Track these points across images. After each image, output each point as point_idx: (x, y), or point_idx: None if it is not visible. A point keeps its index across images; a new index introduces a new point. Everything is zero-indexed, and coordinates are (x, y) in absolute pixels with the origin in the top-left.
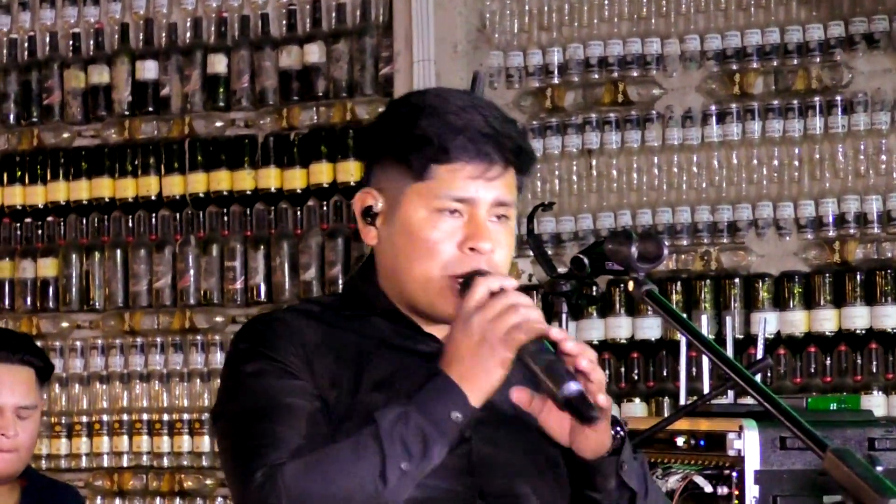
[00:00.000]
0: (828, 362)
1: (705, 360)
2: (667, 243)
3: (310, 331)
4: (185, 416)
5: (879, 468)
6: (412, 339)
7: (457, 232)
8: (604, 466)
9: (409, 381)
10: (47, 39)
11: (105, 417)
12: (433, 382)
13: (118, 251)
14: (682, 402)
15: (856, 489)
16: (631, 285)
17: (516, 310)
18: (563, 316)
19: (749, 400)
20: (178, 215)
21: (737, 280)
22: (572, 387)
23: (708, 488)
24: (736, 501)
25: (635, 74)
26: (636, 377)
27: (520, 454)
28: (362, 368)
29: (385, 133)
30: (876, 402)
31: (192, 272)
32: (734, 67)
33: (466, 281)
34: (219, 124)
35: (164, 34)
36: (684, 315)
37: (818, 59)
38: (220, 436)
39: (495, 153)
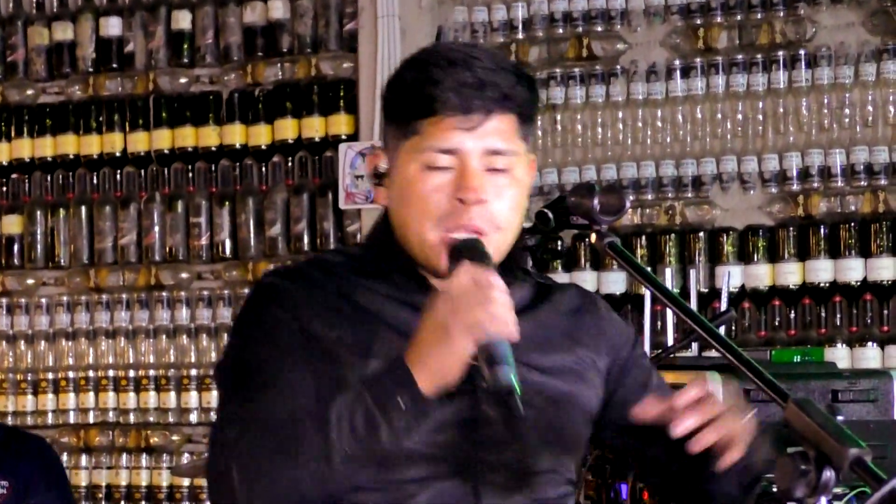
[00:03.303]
0: (792, 315)
1: (669, 314)
2: (631, 198)
3: (318, 291)
4: (152, 373)
5: (840, 418)
6: (420, 297)
7: (447, 185)
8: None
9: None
10: None
11: (71, 374)
12: (390, 366)
13: (83, 208)
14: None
15: (817, 439)
16: (593, 237)
17: (485, 306)
18: None
19: (713, 353)
20: (143, 172)
21: (701, 234)
22: (504, 379)
23: None
24: None
25: (599, 29)
26: None
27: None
28: (373, 331)
29: (385, 92)
30: (840, 355)
31: (157, 229)
32: (698, 22)
33: (454, 252)
34: (183, 81)
35: None
36: (648, 268)
37: (782, 14)
38: (217, 388)
39: (477, 102)
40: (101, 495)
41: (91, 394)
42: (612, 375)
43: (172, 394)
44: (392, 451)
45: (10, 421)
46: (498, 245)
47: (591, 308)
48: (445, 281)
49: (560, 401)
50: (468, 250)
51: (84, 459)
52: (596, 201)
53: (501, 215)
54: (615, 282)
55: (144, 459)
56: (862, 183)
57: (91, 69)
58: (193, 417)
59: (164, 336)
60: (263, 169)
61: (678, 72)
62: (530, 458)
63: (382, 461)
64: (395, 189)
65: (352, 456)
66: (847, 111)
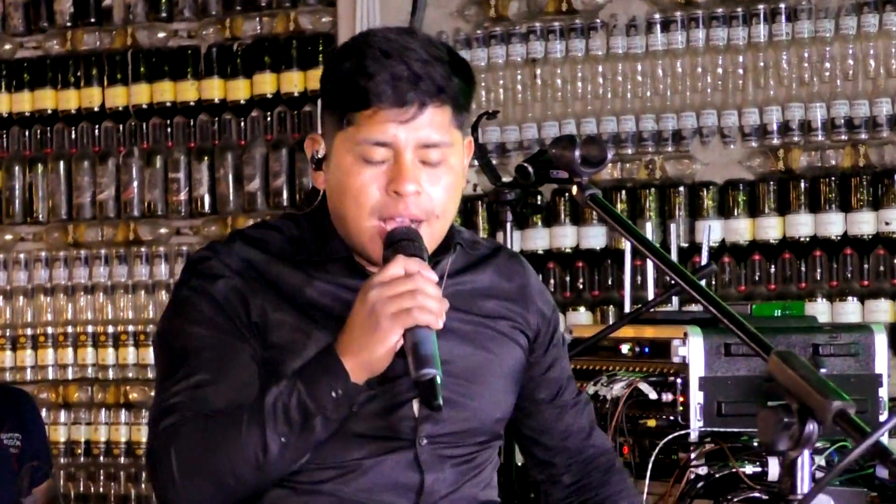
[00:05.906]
0: (772, 270)
1: (650, 269)
2: (611, 152)
3: (254, 273)
4: (130, 328)
5: (822, 370)
6: (354, 284)
7: (382, 177)
8: None
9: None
10: None
11: (50, 330)
12: (321, 356)
13: (61, 163)
14: (627, 310)
15: (799, 391)
16: (574, 190)
17: (414, 295)
18: (508, 225)
19: (694, 307)
20: (121, 127)
21: (681, 188)
22: (427, 372)
23: (653, 395)
24: (681, 408)
25: None
26: (581, 286)
27: (464, 364)
28: (307, 316)
29: (322, 79)
30: (820, 309)
31: (135, 184)
32: None
33: (389, 242)
34: (161, 35)
35: None
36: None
37: None
38: (155, 355)
39: (411, 95)
40: (80, 451)
41: (70, 350)
42: (538, 342)
43: (151, 349)
44: (332, 436)
45: None
46: (434, 232)
47: (519, 270)
48: (378, 269)
49: (477, 366)
50: (402, 241)
51: (63, 415)
52: (577, 153)
53: (438, 204)
54: (595, 236)
55: (123, 415)
56: (842, 137)
57: (69, 23)
58: None
59: (142, 291)
60: (242, 124)
61: (658, 26)
62: (465, 427)
63: (323, 445)
64: (331, 177)
65: (288, 444)
66: (827, 65)
